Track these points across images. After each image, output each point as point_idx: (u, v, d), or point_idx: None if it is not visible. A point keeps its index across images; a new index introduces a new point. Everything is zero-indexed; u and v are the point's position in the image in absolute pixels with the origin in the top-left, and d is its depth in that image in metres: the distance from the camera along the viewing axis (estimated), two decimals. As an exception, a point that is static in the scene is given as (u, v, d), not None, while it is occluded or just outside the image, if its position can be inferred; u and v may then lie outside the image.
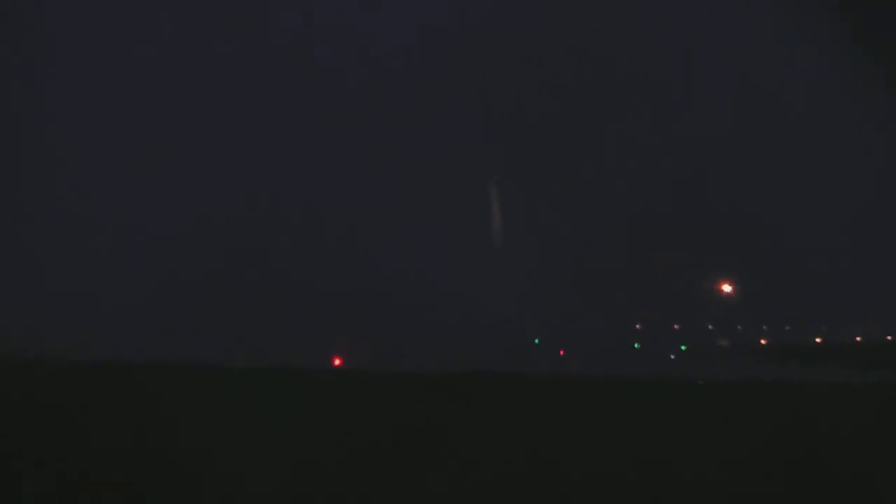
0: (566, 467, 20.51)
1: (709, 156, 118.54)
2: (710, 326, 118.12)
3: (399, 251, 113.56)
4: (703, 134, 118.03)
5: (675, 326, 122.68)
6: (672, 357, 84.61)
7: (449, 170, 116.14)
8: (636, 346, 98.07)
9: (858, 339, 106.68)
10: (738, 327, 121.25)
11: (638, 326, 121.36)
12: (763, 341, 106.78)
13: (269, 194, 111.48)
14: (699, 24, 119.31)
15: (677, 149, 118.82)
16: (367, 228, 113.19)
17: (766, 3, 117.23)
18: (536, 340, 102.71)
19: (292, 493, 18.01)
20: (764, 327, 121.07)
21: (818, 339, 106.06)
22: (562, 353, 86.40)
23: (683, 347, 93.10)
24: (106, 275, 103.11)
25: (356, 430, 24.07)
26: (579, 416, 28.39)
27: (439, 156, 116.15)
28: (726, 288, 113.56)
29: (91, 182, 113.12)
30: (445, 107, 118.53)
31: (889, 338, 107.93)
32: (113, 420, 24.61)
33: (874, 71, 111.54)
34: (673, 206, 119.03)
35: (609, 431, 25.37)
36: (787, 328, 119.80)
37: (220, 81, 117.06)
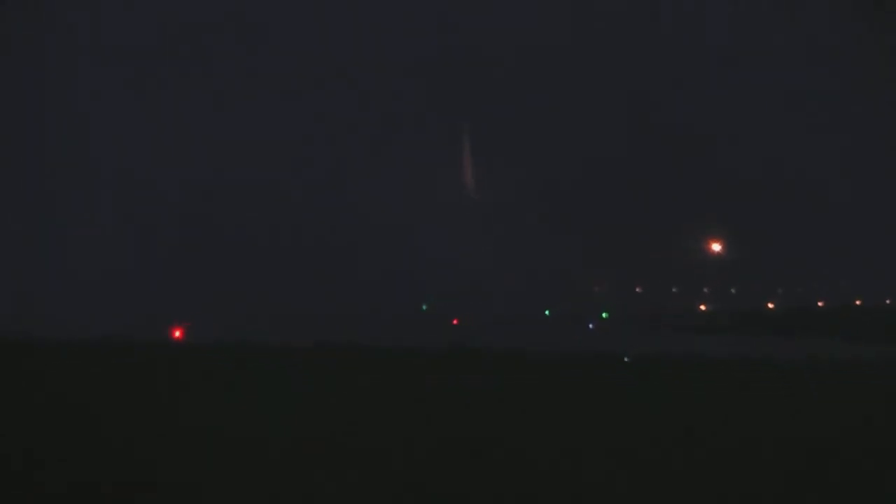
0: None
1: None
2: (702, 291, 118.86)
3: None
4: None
5: (637, 290, 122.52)
6: (590, 326, 76.56)
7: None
8: (546, 312, 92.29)
9: (858, 302, 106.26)
10: (732, 290, 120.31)
11: (596, 289, 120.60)
12: (767, 306, 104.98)
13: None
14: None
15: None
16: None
17: None
18: (423, 306, 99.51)
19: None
20: (732, 291, 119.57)
21: (819, 303, 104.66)
22: (455, 321, 79.60)
23: (605, 315, 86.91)
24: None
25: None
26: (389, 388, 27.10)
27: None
28: (715, 248, 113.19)
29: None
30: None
31: (888, 301, 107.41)
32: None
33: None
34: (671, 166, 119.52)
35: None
36: (779, 291, 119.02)
37: (219, 82, 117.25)
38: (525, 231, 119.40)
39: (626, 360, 38.94)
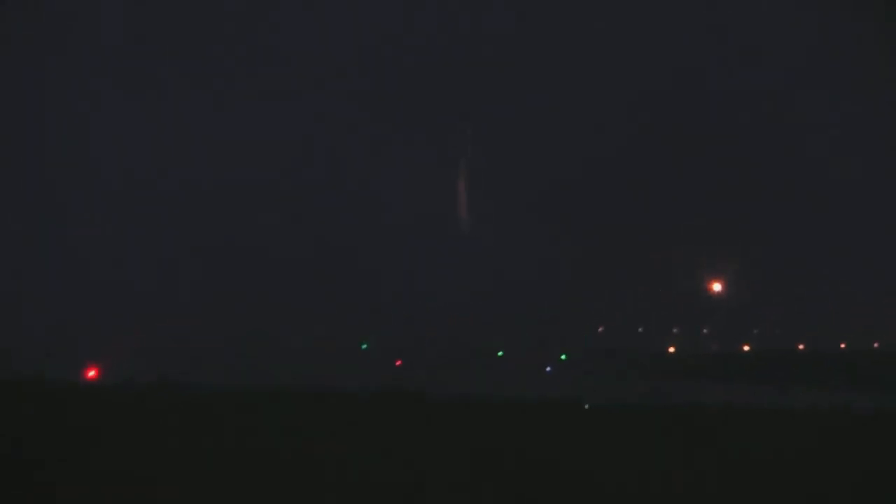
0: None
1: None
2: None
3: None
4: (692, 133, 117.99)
5: (600, 329, 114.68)
6: (548, 370, 73.06)
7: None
8: (500, 354, 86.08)
9: (843, 345, 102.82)
10: (704, 331, 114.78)
11: (600, 329, 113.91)
12: (744, 348, 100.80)
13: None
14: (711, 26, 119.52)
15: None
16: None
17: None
18: (364, 345, 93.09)
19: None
20: (705, 331, 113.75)
21: (800, 346, 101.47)
22: (398, 362, 75.15)
23: (563, 357, 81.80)
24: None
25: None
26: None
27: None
28: (714, 285, 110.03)
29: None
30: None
31: (876, 345, 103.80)
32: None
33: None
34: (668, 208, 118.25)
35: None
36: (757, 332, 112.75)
37: (218, 84, 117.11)
38: (513, 249, 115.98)
39: (586, 407, 36.60)
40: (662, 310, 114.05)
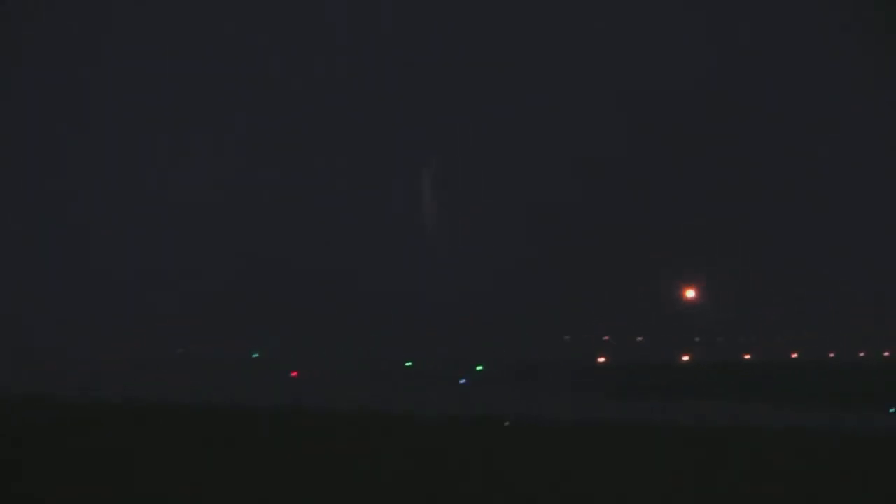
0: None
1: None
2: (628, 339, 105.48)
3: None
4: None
5: (605, 338, 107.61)
6: (462, 382, 67.75)
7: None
8: (407, 364, 78.77)
9: (794, 355, 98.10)
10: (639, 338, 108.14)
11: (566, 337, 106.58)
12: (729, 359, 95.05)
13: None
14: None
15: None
16: None
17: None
18: (254, 353, 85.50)
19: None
20: (639, 339, 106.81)
21: (747, 356, 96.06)
22: (294, 374, 70.67)
23: (479, 368, 75.73)
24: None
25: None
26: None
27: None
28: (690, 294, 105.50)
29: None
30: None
31: (831, 354, 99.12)
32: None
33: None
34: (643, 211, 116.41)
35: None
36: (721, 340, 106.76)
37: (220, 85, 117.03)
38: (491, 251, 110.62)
39: (505, 424, 32.94)
40: (633, 317, 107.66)
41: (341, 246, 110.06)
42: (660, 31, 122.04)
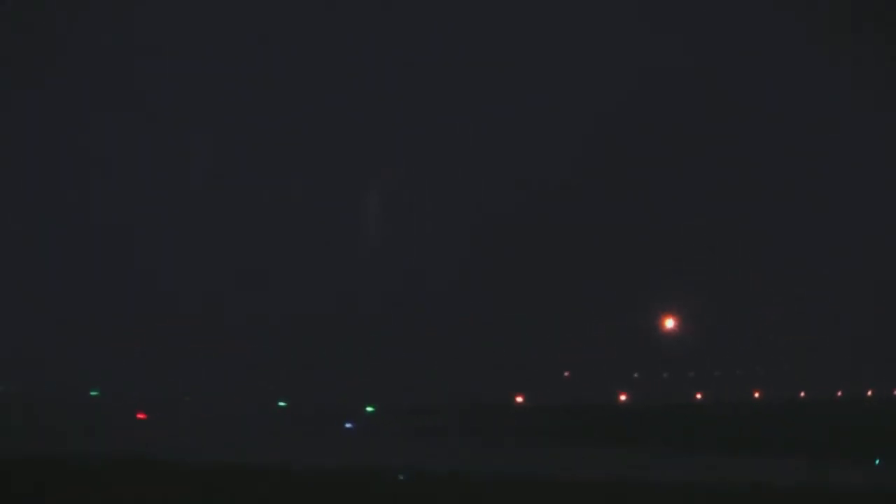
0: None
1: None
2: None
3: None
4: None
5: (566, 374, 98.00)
6: (348, 426, 59.71)
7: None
8: (280, 403, 67.99)
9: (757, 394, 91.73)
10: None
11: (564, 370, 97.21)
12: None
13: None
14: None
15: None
16: None
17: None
18: (93, 391, 71.45)
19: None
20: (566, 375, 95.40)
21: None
22: (141, 416, 60.40)
23: (370, 409, 66.56)
24: None
25: None
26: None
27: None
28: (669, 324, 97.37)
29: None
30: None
31: (802, 394, 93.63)
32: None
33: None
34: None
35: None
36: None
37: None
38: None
39: (400, 478, 29.66)
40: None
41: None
42: (660, 32, 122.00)
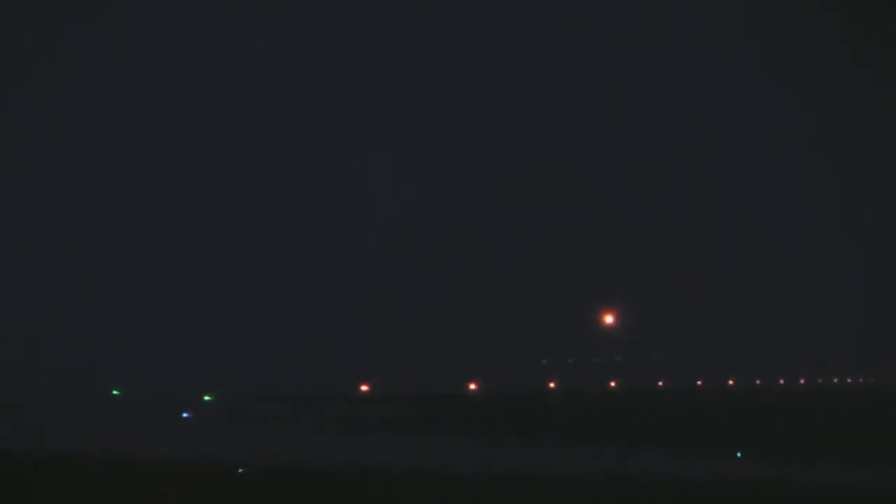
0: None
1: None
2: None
3: None
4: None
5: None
6: (186, 416, 55.96)
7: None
8: (116, 393, 65.46)
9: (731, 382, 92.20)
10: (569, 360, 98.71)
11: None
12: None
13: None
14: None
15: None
16: None
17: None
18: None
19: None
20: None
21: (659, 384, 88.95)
22: None
23: (207, 398, 63.70)
24: None
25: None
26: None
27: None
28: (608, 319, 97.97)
29: None
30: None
31: (783, 381, 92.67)
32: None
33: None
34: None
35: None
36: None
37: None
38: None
39: (240, 471, 28.71)
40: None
41: None
42: (659, 32, 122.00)
